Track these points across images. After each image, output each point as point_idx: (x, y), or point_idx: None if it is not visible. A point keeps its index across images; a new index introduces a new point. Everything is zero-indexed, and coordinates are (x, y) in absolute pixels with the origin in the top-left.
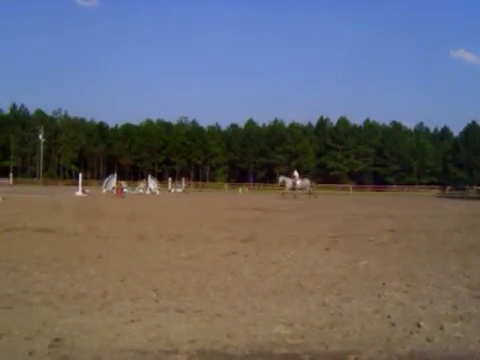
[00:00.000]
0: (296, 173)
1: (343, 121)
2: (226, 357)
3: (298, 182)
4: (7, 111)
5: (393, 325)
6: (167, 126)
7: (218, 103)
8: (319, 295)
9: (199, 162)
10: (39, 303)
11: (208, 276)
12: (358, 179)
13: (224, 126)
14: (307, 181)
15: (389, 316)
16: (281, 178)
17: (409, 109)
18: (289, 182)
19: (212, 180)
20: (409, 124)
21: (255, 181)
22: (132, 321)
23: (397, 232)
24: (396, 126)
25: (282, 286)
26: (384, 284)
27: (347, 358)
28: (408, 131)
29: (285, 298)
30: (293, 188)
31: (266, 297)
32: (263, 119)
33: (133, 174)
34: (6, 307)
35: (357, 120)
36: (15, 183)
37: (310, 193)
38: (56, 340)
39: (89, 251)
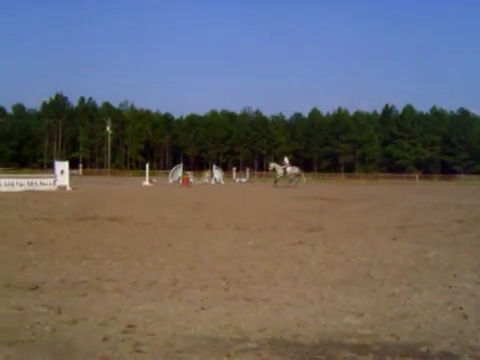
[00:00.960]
0: (286, 160)
1: (409, 109)
2: (296, 346)
3: (288, 169)
4: (76, 104)
5: (465, 317)
6: (231, 116)
7: (282, 92)
8: (389, 285)
9: (263, 152)
10: (112, 290)
11: (275, 265)
12: (424, 168)
13: (288, 115)
14: (296, 169)
15: (461, 308)
16: (272, 165)
17: (477, 96)
18: (280, 169)
19: None
20: (478, 111)
21: (319, 170)
22: (202, 309)
23: (466, 222)
24: (464, 113)
25: (351, 276)
26: (455, 275)
27: (418, 350)
28: (476, 118)
29: (354, 288)
30: (284, 175)
31: (335, 287)
32: (327, 108)
33: (198, 164)
34: (80, 294)
35: (423, 108)
36: (84, 174)
37: (296, 181)
38: (129, 326)
39: (158, 240)
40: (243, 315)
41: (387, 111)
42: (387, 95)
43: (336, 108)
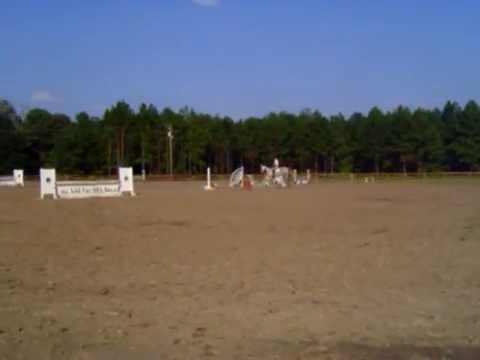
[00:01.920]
0: (276, 162)
1: (472, 105)
2: (366, 349)
3: (277, 170)
4: (137, 111)
5: None
6: (290, 118)
7: (341, 93)
8: (458, 287)
9: (323, 153)
10: (180, 294)
11: (342, 268)
12: None
13: (347, 115)
14: (285, 169)
15: None
16: (263, 167)
17: None
18: (269, 171)
19: (336, 171)
20: None
21: (381, 170)
22: (270, 312)
23: None
24: None
25: (419, 278)
26: None
27: None
28: None
29: (423, 290)
30: (273, 176)
31: (403, 289)
32: (387, 107)
33: (258, 167)
34: (150, 297)
35: None
36: (147, 179)
37: (287, 182)
38: (199, 329)
39: (223, 243)
40: (311, 318)
41: (449, 108)
42: (448, 92)
43: (396, 107)
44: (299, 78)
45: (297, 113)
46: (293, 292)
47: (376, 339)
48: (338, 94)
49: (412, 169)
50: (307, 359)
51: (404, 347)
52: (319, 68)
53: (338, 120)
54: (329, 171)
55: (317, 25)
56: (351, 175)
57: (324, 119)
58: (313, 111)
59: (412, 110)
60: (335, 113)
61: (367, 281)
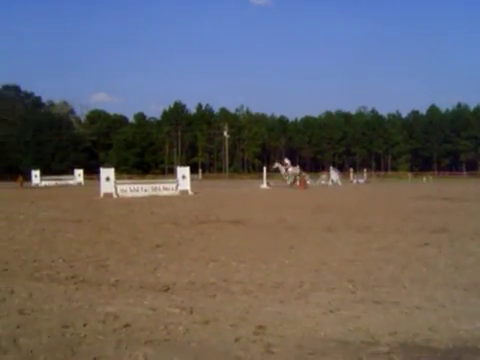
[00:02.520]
0: (287, 160)
1: None
2: (429, 351)
3: (290, 169)
4: (194, 111)
5: None
6: (346, 116)
7: (398, 90)
8: None
9: (380, 151)
10: (240, 292)
11: (402, 268)
12: None
13: (405, 113)
14: (297, 169)
15: None
16: (276, 164)
17: None
18: (282, 169)
19: (394, 169)
20: None
21: (439, 169)
22: (330, 311)
23: None
24: None
25: None
26: None
27: None
28: None
29: None
30: (286, 175)
31: (466, 290)
32: (446, 104)
33: (314, 165)
34: (210, 295)
35: None
36: (204, 178)
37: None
38: (259, 328)
39: (280, 242)
40: (372, 318)
41: None
42: None
43: (455, 104)
44: (355, 76)
45: (353, 111)
46: (353, 292)
47: (439, 340)
48: (395, 92)
49: (472, 168)
50: (369, 359)
51: (467, 349)
52: (375, 66)
53: (395, 118)
54: (386, 170)
55: (371, 23)
56: (409, 174)
57: (381, 117)
58: (370, 109)
59: (472, 107)
60: (392, 111)
61: (428, 281)
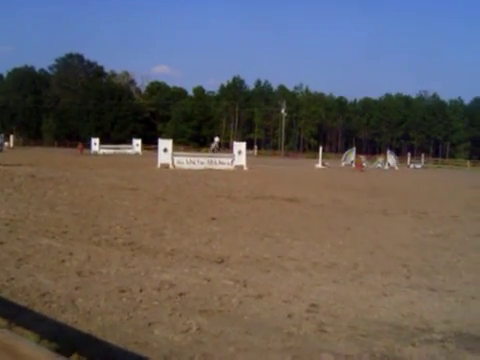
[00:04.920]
0: (216, 139)
1: None
2: None
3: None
4: (252, 87)
5: None
6: (406, 100)
7: (460, 76)
8: None
9: (439, 138)
10: (293, 269)
11: (459, 256)
12: None
13: (467, 100)
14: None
15: None
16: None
17: None
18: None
19: (452, 157)
20: None
21: None
22: (384, 295)
23: None
24: None
25: None
26: None
27: None
28: None
29: None
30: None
31: None
32: None
33: (371, 148)
34: (264, 270)
35: None
36: (259, 154)
37: None
38: (312, 306)
39: (335, 222)
40: (427, 305)
41: None
42: None
43: None
44: (416, 59)
45: (414, 95)
46: (408, 277)
47: None
48: (458, 77)
49: None
50: (422, 346)
51: None
52: (437, 49)
53: (457, 104)
54: (444, 157)
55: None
56: (467, 162)
57: (442, 102)
58: (431, 94)
59: None
60: (454, 97)
61: None
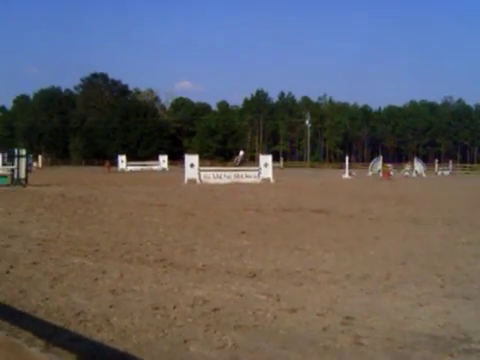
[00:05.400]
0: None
1: None
2: None
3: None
4: (276, 99)
5: None
6: (431, 106)
7: None
8: None
9: (466, 143)
10: (326, 281)
11: None
12: None
13: None
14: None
15: None
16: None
17: None
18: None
19: None
20: None
21: None
22: (420, 305)
23: None
24: None
25: None
26: None
27: None
28: None
29: None
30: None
31: None
32: None
33: (397, 156)
34: (296, 283)
35: None
36: (285, 166)
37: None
38: (347, 318)
39: (365, 232)
40: (463, 314)
41: None
42: None
43: None
44: (439, 65)
45: (439, 101)
46: (442, 286)
47: None
48: None
49: None
50: (460, 356)
51: None
52: (461, 55)
53: None
54: (472, 162)
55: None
56: None
57: (468, 107)
58: (456, 99)
59: None
60: None
61: None
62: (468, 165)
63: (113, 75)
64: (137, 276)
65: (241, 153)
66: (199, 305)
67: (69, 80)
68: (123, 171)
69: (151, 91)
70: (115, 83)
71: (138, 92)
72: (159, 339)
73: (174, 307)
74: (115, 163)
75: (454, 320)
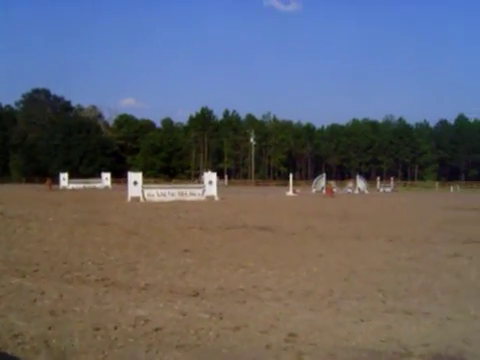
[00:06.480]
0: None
1: None
2: None
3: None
4: (221, 117)
5: None
6: (373, 125)
7: (426, 99)
8: None
9: (407, 160)
10: (269, 298)
11: (433, 278)
12: None
13: (433, 123)
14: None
15: None
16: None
17: None
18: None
19: (420, 179)
20: None
21: (467, 179)
22: (362, 321)
23: None
24: None
25: None
26: None
27: None
28: None
29: None
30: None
31: None
32: (475, 114)
33: (340, 173)
34: (240, 301)
35: None
36: (229, 184)
37: None
38: (290, 335)
39: (309, 249)
40: (404, 329)
41: None
42: None
43: None
44: (382, 85)
45: (380, 120)
46: (384, 301)
47: (473, 353)
48: (423, 101)
49: None
50: None
51: None
52: (403, 74)
53: (423, 127)
54: (413, 179)
55: (397, 34)
56: (436, 183)
57: (408, 126)
58: (397, 118)
59: None
60: (420, 120)
61: (460, 293)
62: (409, 182)
63: (55, 91)
64: (77, 296)
65: (206, 174)
66: (141, 325)
67: (10, 96)
68: (65, 189)
69: (94, 108)
70: (57, 99)
71: (81, 108)
72: None
73: (115, 327)
74: (57, 181)
75: (395, 335)
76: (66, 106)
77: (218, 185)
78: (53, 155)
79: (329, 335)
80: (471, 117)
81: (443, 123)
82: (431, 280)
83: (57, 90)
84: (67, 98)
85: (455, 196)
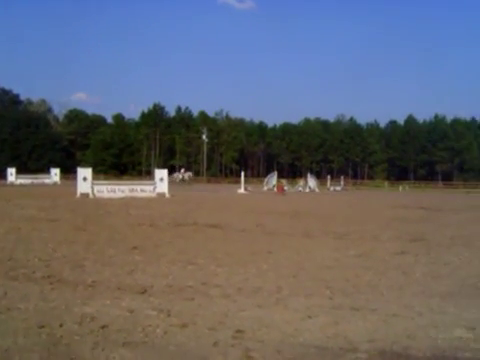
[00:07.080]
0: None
1: None
2: (407, 358)
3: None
4: (173, 113)
5: None
6: (325, 124)
7: (376, 100)
8: None
9: (357, 160)
10: (218, 295)
11: (380, 275)
12: None
13: (383, 123)
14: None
15: None
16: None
17: None
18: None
19: (370, 178)
20: None
21: (415, 179)
22: (309, 317)
23: None
24: None
25: (459, 288)
26: None
27: None
28: None
29: (463, 301)
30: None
31: (443, 299)
32: (423, 115)
33: (291, 172)
34: (188, 298)
35: None
36: (181, 181)
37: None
38: (238, 332)
39: (259, 247)
40: (351, 325)
41: None
42: None
43: (433, 115)
44: (334, 85)
45: (332, 119)
46: (331, 298)
47: (417, 348)
48: (373, 101)
49: (447, 179)
50: None
51: (445, 358)
52: (353, 74)
53: (373, 127)
54: (363, 178)
55: (350, 33)
56: (385, 183)
57: (359, 126)
58: (348, 117)
59: (449, 119)
60: (370, 120)
61: (406, 289)
62: (359, 181)
63: (3, 84)
64: (22, 293)
65: (182, 170)
66: (87, 322)
67: None
68: (12, 184)
69: (44, 102)
70: (6, 92)
71: (30, 102)
72: (44, 359)
73: (61, 325)
74: (4, 176)
75: (342, 331)
76: (15, 99)
77: (189, 177)
78: (0, 150)
79: (277, 331)
80: (420, 118)
81: (393, 123)
82: (378, 277)
83: (5, 83)
84: (16, 91)
85: (403, 195)
